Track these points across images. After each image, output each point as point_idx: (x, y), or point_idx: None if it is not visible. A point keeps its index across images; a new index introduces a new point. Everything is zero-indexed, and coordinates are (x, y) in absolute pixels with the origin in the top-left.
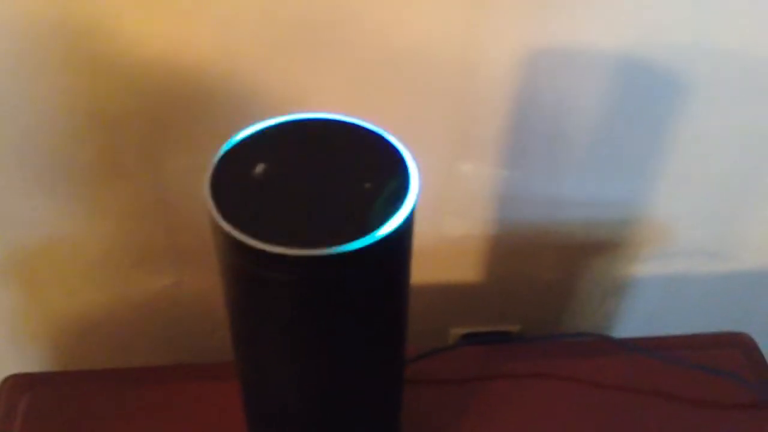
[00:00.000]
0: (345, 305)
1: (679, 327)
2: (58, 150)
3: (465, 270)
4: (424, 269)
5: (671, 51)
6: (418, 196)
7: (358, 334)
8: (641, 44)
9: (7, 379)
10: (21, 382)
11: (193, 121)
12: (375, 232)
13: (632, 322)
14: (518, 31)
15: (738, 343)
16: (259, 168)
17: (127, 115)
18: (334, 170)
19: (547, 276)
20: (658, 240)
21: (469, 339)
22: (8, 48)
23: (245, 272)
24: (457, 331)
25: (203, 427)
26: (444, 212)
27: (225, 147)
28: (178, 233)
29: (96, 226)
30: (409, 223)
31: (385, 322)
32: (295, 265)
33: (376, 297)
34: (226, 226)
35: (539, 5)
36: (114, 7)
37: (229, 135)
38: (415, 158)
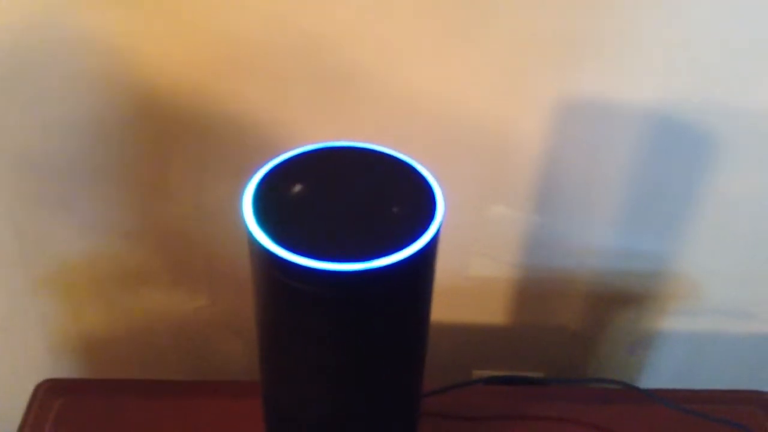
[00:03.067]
0: (370, 321)
1: (705, 383)
2: (105, 170)
3: (491, 312)
4: (451, 309)
5: (703, 109)
6: (443, 219)
7: (381, 351)
8: (673, 101)
9: (42, 383)
10: (55, 386)
11: (232, 149)
12: (402, 251)
13: (658, 376)
14: (552, 83)
15: (760, 401)
16: (295, 189)
17: (173, 140)
18: (364, 194)
19: (573, 324)
20: (688, 295)
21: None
22: (65, 72)
23: (275, 284)
24: (481, 374)
25: None
26: (473, 252)
27: (264, 169)
28: (215, 256)
29: (137, 244)
30: (433, 245)
31: (407, 341)
32: (323, 278)
33: (398, 315)
34: (262, 239)
35: (573, 60)
36: (162, 41)
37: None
38: (446, 196)
